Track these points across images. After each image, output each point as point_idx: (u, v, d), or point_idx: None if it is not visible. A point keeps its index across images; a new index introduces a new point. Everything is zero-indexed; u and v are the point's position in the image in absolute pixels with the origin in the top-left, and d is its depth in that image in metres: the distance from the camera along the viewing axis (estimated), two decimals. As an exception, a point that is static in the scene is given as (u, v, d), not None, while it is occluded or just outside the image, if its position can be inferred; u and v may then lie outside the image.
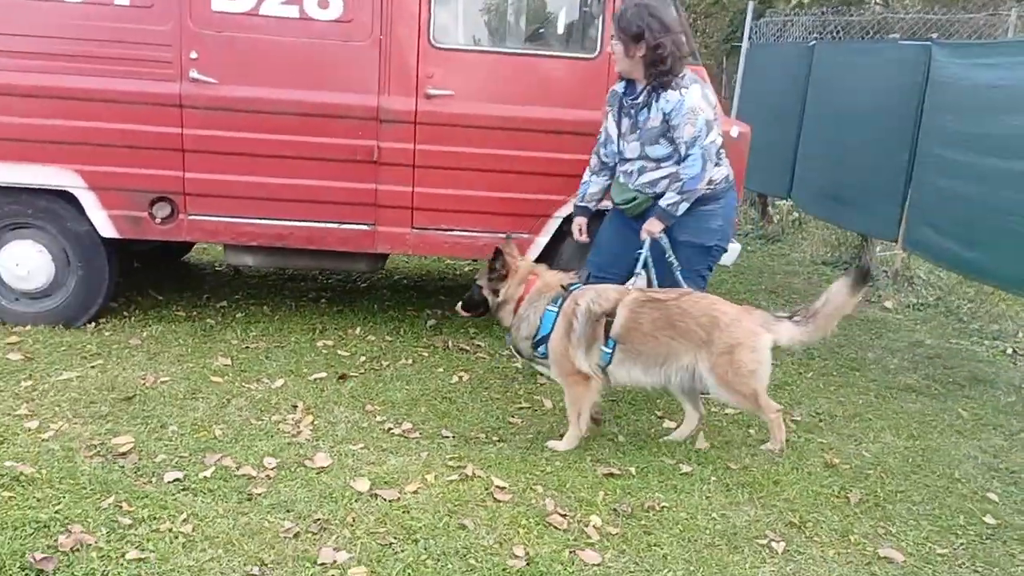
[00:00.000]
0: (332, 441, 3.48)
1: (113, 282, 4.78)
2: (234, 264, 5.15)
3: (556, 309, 3.49)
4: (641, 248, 3.80)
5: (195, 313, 5.08)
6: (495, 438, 3.62)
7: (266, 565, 2.56)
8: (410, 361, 4.53)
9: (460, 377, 4.34)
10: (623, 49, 3.65)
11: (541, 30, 4.86)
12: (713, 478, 3.26)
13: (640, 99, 3.71)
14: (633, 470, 3.29)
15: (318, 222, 4.67)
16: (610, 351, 3.42)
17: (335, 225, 4.68)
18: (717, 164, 3.77)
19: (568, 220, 4.70)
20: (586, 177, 4.13)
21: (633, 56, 3.63)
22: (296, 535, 2.73)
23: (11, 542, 2.55)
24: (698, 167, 3.61)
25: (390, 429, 3.65)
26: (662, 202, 3.70)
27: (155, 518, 2.77)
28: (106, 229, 4.56)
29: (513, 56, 4.62)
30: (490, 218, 4.71)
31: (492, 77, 4.59)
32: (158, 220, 4.59)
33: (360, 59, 4.49)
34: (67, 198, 4.55)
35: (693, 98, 3.59)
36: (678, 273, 3.77)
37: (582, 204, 4.15)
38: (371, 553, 2.65)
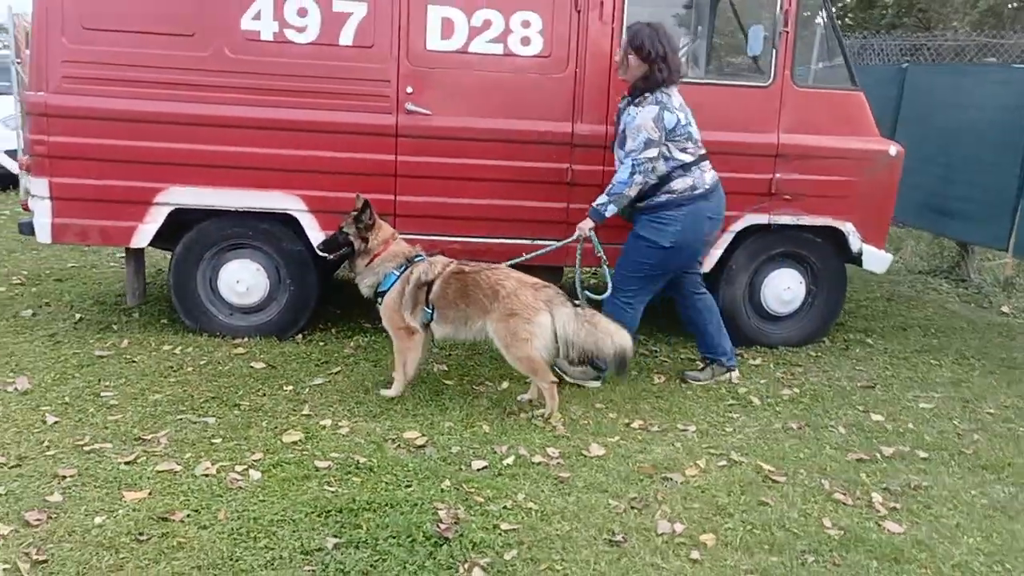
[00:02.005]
0: (588, 433, 3.88)
1: (319, 297, 5.19)
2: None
3: (398, 273, 4.17)
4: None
5: (380, 326, 5.46)
6: (728, 429, 4.01)
7: (617, 534, 2.95)
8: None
9: (658, 379, 4.74)
10: (625, 59, 4.24)
11: (720, 61, 5.29)
12: (952, 462, 3.67)
13: (621, 106, 4.39)
14: (878, 455, 3.70)
15: (514, 239, 5.08)
16: (430, 311, 4.11)
17: (528, 241, 5.08)
18: (682, 176, 4.27)
19: (742, 233, 5.15)
20: None
21: (632, 67, 4.22)
22: (624, 510, 3.13)
23: (402, 517, 2.95)
24: (627, 174, 4.18)
25: (628, 423, 4.05)
26: (594, 203, 4.27)
27: (497, 498, 3.17)
28: (322, 248, 4.96)
29: (695, 85, 5.05)
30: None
31: (676, 104, 5.00)
32: (370, 239, 5.00)
33: (557, 90, 4.92)
34: (284, 220, 4.96)
35: (643, 117, 4.16)
36: (605, 268, 4.44)
37: None
38: (702, 524, 3.05)
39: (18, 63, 10.86)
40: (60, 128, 4.65)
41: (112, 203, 4.77)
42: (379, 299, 4.25)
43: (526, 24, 4.85)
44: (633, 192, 4.26)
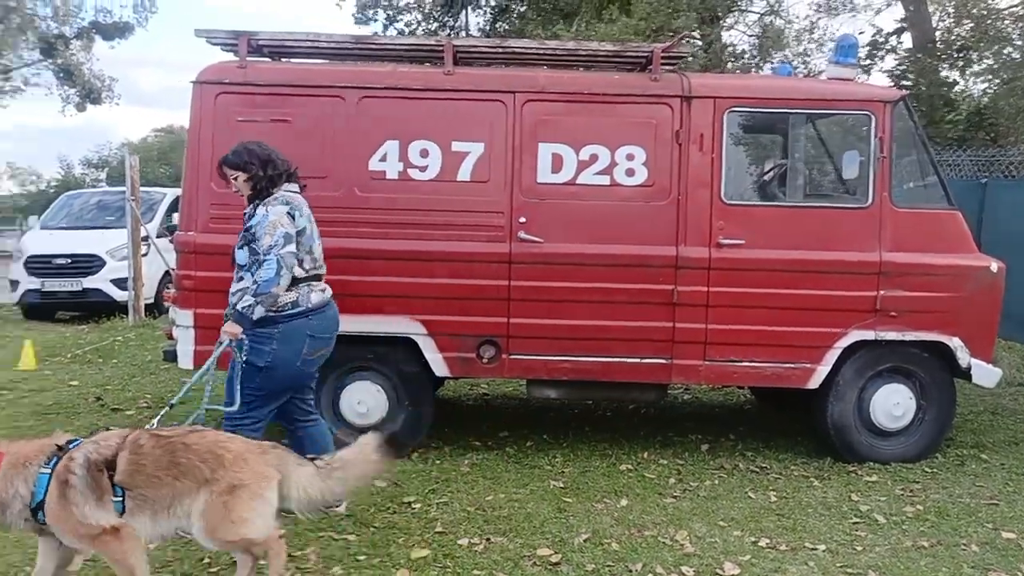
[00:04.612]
0: (718, 552, 3.92)
1: (433, 415, 5.40)
2: (537, 397, 5.66)
3: (49, 471, 3.10)
4: None
5: (488, 443, 5.63)
6: (858, 548, 4.00)
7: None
8: (716, 482, 4.97)
9: (772, 495, 4.75)
10: (231, 182, 4.23)
11: (817, 185, 5.54)
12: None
13: (247, 212, 4.25)
14: (1019, 574, 3.65)
15: (622, 357, 5.26)
16: (120, 499, 3.10)
17: (637, 359, 5.26)
18: (287, 291, 4.04)
19: (848, 350, 5.23)
20: None
21: (241, 184, 4.19)
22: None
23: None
24: (273, 271, 3.93)
25: (755, 542, 4.07)
26: (239, 305, 4.00)
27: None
28: (440, 370, 5.22)
29: (793, 208, 5.29)
30: (776, 350, 5.24)
31: (776, 226, 5.22)
32: (484, 360, 5.24)
33: (661, 216, 5.20)
34: (402, 343, 5.23)
35: (276, 213, 4.05)
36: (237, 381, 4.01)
37: None
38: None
39: (132, 200, 11.75)
40: (206, 264, 5.08)
41: (248, 330, 5.12)
42: (38, 516, 3.09)
43: (631, 157, 5.19)
44: (281, 289, 4.00)
